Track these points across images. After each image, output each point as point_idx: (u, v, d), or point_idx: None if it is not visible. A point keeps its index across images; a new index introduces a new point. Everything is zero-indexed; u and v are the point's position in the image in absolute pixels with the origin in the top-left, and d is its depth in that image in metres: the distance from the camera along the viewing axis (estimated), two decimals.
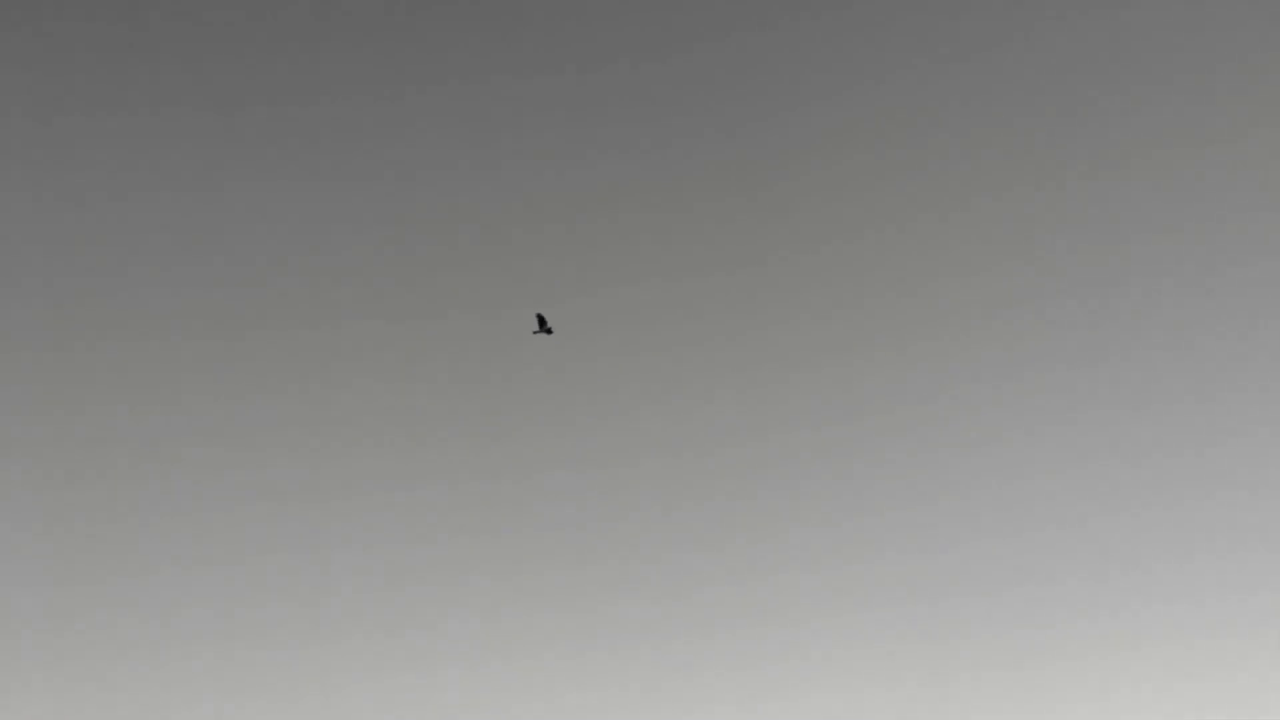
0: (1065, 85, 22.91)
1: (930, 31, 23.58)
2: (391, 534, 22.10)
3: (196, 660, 21.39)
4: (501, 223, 24.23)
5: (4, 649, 21.11)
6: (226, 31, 24.90)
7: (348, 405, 22.79)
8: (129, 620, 21.55)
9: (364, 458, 22.59)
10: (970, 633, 20.58)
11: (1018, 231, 22.80)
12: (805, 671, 20.77)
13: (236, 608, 21.66)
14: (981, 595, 20.69)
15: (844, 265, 22.90)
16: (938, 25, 23.39)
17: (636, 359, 23.10)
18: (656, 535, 21.93)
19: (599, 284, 23.60)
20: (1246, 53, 22.85)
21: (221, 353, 23.31)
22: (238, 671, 21.30)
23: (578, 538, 21.93)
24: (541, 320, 17.81)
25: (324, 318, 23.85)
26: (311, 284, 23.89)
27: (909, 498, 21.60)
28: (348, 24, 24.84)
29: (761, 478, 22.18)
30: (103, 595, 21.74)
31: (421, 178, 24.60)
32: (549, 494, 22.28)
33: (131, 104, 24.33)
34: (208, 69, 24.45)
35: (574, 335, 23.09)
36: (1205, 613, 20.39)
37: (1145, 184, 22.91)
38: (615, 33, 24.33)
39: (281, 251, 24.20)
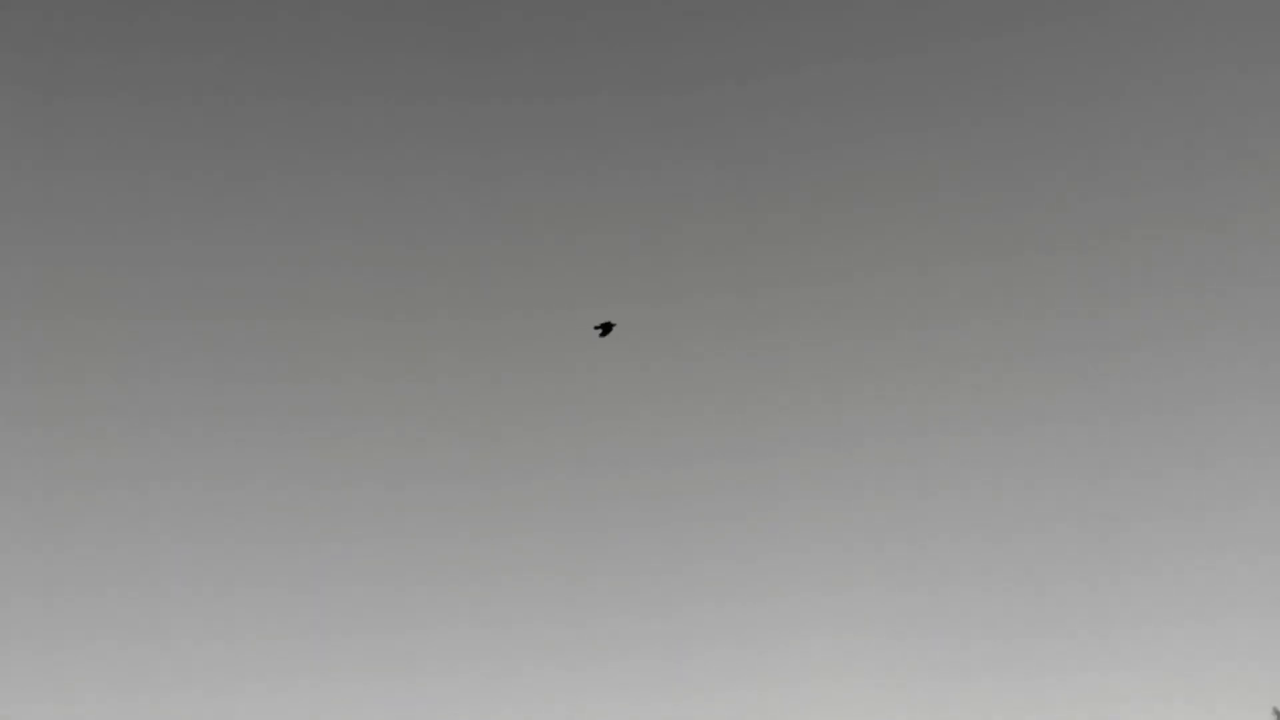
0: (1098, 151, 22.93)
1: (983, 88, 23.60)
2: (391, 535, 21.98)
3: (188, 658, 21.21)
4: (509, 226, 24.16)
5: (4, 646, 20.94)
6: (246, 35, 24.77)
7: (349, 405, 22.65)
8: (124, 617, 21.36)
9: (364, 459, 22.45)
10: (974, 664, 20.56)
11: (1061, 271, 22.75)
12: (805, 683, 20.73)
13: (233, 606, 21.48)
14: (989, 631, 20.66)
15: (853, 293, 22.87)
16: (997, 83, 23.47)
17: (642, 368, 23.05)
18: (654, 540, 21.87)
19: (607, 293, 23.55)
20: (1247, 123, 23.01)
21: (222, 350, 23.18)
22: (230, 671, 21.12)
23: (575, 542, 21.85)
24: (606, 328, 17.99)
25: (326, 317, 23.72)
26: (315, 284, 23.80)
27: (913, 519, 21.57)
28: (382, 27, 24.75)
29: (767, 486, 22.17)
30: (100, 592, 21.56)
31: (429, 183, 24.50)
32: (548, 498, 22.19)
33: (133, 107, 24.19)
34: (216, 74, 24.32)
35: (579, 339, 23.08)
36: (1201, 611, 20.37)
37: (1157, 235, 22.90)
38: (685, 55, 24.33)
39: (285, 250, 24.10)
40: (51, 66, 25.18)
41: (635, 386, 23.70)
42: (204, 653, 22.18)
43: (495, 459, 23.35)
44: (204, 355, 24.10)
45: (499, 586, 22.35)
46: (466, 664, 21.86)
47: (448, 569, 22.32)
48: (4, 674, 21.30)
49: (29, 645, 21.62)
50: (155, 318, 24.22)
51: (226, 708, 21.42)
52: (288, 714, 21.21)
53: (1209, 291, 23.20)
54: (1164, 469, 22.36)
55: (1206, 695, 20.09)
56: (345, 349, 24.39)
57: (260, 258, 23.88)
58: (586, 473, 23.16)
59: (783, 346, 23.76)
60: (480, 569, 22.50)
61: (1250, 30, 23.45)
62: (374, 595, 22.28)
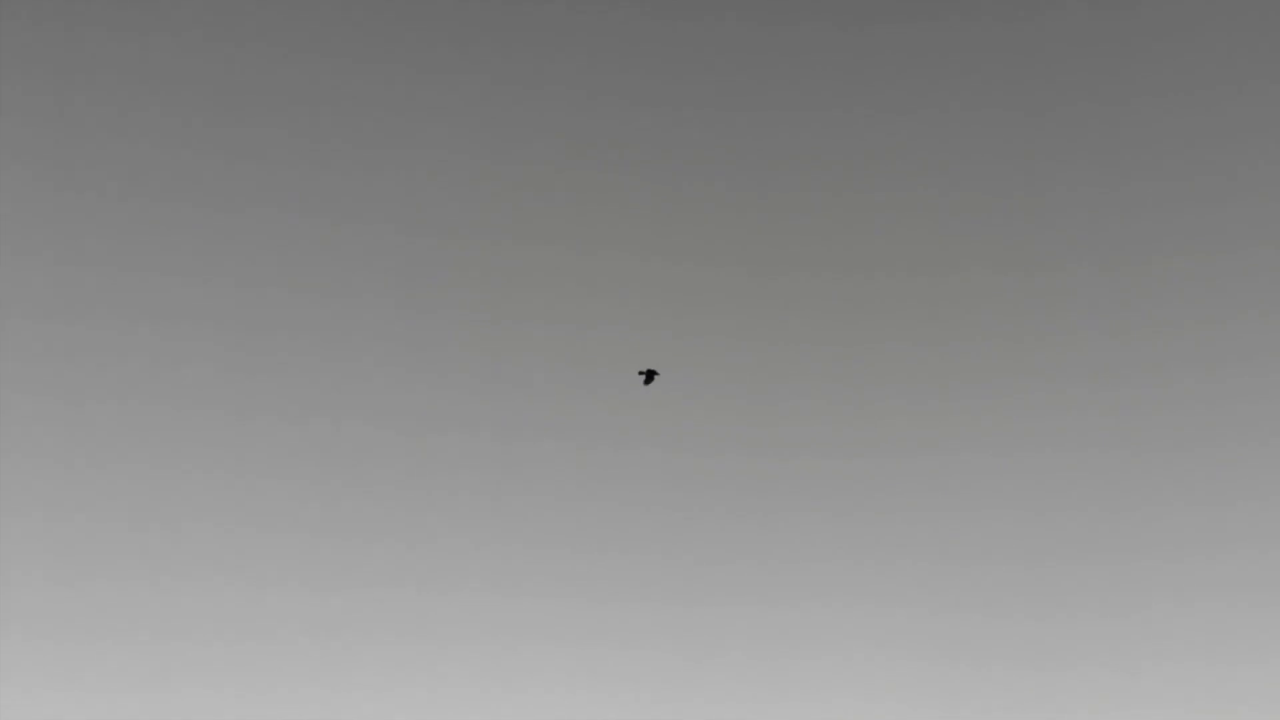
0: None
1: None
2: (397, 533, 21.93)
3: (191, 657, 21.25)
4: (516, 218, 24.02)
5: (5, 645, 21.03)
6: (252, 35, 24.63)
7: (354, 403, 22.59)
8: (124, 616, 21.43)
9: (370, 457, 22.39)
10: (986, 682, 20.36)
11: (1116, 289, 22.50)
12: (817, 688, 20.57)
13: (234, 605, 21.51)
14: (1003, 648, 20.45)
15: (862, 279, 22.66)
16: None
17: (655, 361, 22.94)
18: (668, 540, 21.73)
19: (615, 282, 23.40)
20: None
21: (225, 348, 23.14)
22: (231, 670, 21.16)
23: (585, 542, 21.78)
24: (649, 376, 17.91)
25: (330, 312, 23.67)
26: (320, 277, 23.73)
27: (927, 526, 21.35)
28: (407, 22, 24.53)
29: (777, 486, 21.99)
30: (98, 591, 21.62)
31: (436, 174, 24.36)
32: (559, 496, 22.10)
33: (133, 97, 24.08)
34: (216, 69, 24.19)
35: (585, 336, 22.86)
36: (1217, 623, 20.18)
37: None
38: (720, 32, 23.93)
39: (288, 246, 24.02)
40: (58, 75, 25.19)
41: (654, 381, 23.47)
42: (210, 648, 22.27)
43: (501, 454, 23.25)
44: (208, 330, 24.11)
45: (507, 583, 22.29)
46: (472, 663, 21.85)
47: (454, 567, 22.26)
48: (6, 670, 21.40)
49: (33, 637, 21.76)
50: (156, 287, 24.25)
51: (230, 704, 21.48)
52: (293, 709, 21.27)
53: (1244, 314, 22.84)
54: (1186, 495, 22.20)
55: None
56: (351, 331, 24.33)
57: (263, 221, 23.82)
58: (597, 469, 23.00)
59: (806, 344, 23.49)
60: (485, 569, 22.43)
61: None
62: (383, 588, 22.27)
